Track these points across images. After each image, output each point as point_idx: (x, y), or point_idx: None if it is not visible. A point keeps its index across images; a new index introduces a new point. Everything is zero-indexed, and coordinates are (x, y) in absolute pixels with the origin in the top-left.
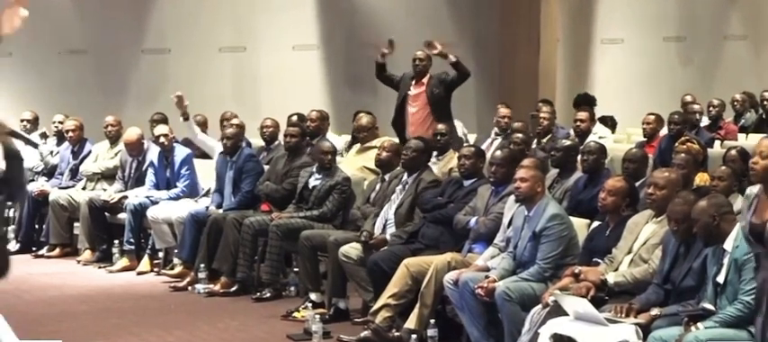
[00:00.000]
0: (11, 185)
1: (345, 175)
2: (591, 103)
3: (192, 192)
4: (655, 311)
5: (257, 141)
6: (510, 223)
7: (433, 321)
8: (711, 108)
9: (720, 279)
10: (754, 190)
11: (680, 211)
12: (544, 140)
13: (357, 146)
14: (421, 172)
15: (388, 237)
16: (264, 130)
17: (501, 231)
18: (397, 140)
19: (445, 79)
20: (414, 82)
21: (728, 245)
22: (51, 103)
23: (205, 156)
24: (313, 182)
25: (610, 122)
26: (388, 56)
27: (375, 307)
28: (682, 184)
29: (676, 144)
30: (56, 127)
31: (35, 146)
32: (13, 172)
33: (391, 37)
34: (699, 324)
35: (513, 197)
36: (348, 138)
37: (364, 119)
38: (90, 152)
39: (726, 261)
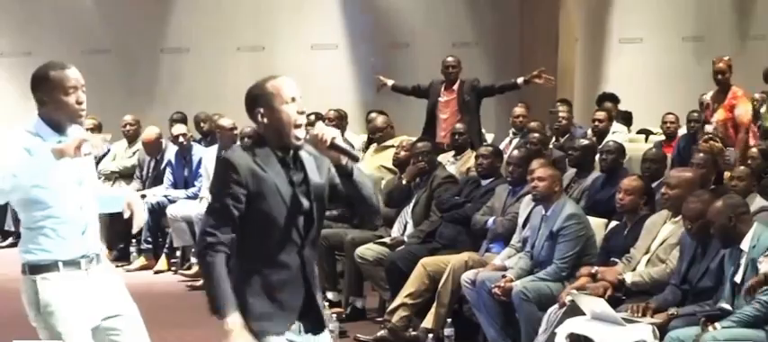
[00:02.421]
0: (358, 206)
1: None
2: (615, 101)
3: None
4: (672, 311)
5: None
6: (526, 223)
7: (449, 321)
8: None
9: (738, 279)
10: None
11: (693, 210)
12: (562, 140)
13: (374, 145)
14: (433, 170)
15: (406, 238)
16: None
17: (517, 232)
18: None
19: (477, 86)
20: (444, 88)
21: (745, 245)
22: None
23: None
24: None
25: (622, 118)
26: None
27: (392, 306)
28: (699, 184)
29: (699, 142)
30: None
31: (356, 159)
32: (353, 191)
33: (411, 37)
34: (716, 324)
35: (528, 197)
36: (365, 137)
37: (379, 119)
38: (108, 151)
39: (743, 261)
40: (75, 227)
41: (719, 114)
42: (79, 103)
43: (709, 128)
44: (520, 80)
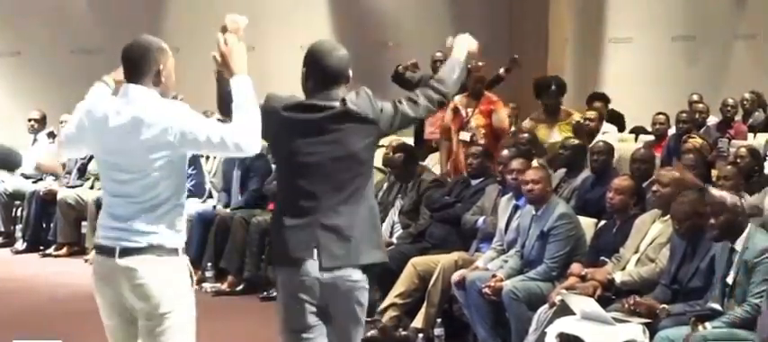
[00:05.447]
0: None
1: None
2: (605, 101)
3: (198, 191)
4: (663, 307)
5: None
6: (507, 226)
7: (439, 320)
8: (728, 108)
9: (730, 280)
10: None
11: (681, 210)
12: None
13: None
14: (419, 174)
15: (394, 240)
16: None
17: (497, 235)
18: (403, 140)
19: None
20: None
21: (739, 245)
22: (60, 102)
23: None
24: None
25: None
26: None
27: (382, 306)
28: (689, 184)
29: (683, 143)
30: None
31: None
32: None
33: (400, 36)
34: (706, 323)
35: (504, 198)
36: None
37: None
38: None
39: (735, 261)
40: None
41: (478, 120)
42: None
43: (464, 135)
44: (501, 71)
